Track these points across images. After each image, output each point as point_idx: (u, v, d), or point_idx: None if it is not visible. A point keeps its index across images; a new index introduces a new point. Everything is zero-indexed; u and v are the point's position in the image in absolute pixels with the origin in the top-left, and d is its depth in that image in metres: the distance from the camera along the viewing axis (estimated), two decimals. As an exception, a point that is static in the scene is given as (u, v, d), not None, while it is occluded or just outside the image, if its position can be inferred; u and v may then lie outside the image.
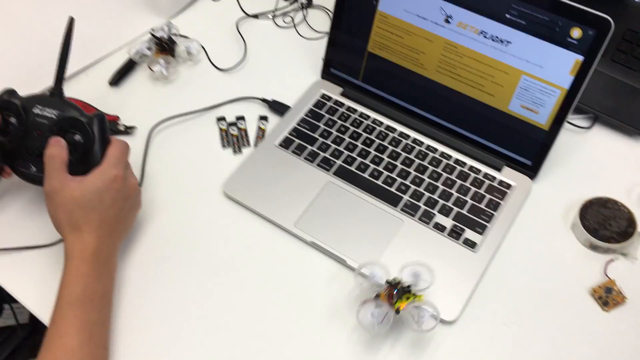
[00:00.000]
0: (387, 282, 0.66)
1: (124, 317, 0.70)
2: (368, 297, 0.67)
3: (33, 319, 0.72)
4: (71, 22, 0.72)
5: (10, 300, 0.73)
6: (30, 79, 0.89)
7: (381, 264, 0.69)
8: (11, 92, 0.73)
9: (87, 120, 0.69)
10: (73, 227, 0.66)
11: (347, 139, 0.84)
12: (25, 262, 0.74)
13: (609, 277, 0.73)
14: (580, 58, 0.71)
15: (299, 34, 0.99)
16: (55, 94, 0.72)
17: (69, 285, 0.64)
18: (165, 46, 0.93)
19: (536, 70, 0.74)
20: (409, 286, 0.66)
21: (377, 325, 0.65)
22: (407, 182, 0.80)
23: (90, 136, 0.68)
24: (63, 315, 0.63)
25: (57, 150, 0.67)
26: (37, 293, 0.72)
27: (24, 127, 0.70)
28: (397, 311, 0.65)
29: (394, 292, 0.65)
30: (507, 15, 0.73)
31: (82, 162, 0.68)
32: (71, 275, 0.65)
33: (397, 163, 0.82)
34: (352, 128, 0.85)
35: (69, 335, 0.62)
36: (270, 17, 1.01)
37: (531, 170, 0.81)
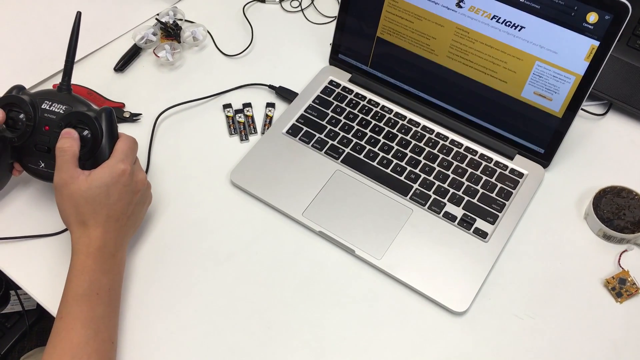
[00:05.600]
0: None
1: (132, 310, 0.69)
2: None
3: (40, 305, 0.71)
4: (79, 16, 0.71)
5: (16, 286, 0.73)
6: (34, 69, 0.88)
7: None
8: (20, 88, 0.72)
9: (95, 115, 0.68)
10: (80, 222, 0.65)
11: (356, 127, 0.83)
12: (31, 251, 0.74)
13: (622, 268, 0.72)
14: (596, 43, 0.69)
15: (307, 18, 0.97)
16: (63, 89, 0.71)
17: (74, 280, 0.64)
18: (170, 31, 0.92)
19: (550, 56, 0.72)
20: None
21: None
22: (417, 171, 0.78)
23: (98, 131, 0.67)
24: (69, 310, 0.62)
25: (68, 142, 0.66)
26: (42, 281, 0.71)
27: (32, 124, 0.69)
28: None
29: None
30: None
31: (90, 157, 0.67)
32: (77, 270, 0.64)
33: (407, 151, 0.80)
34: (360, 115, 0.84)
35: (75, 331, 0.61)
36: (278, 1, 0.99)
37: (544, 159, 0.79)
